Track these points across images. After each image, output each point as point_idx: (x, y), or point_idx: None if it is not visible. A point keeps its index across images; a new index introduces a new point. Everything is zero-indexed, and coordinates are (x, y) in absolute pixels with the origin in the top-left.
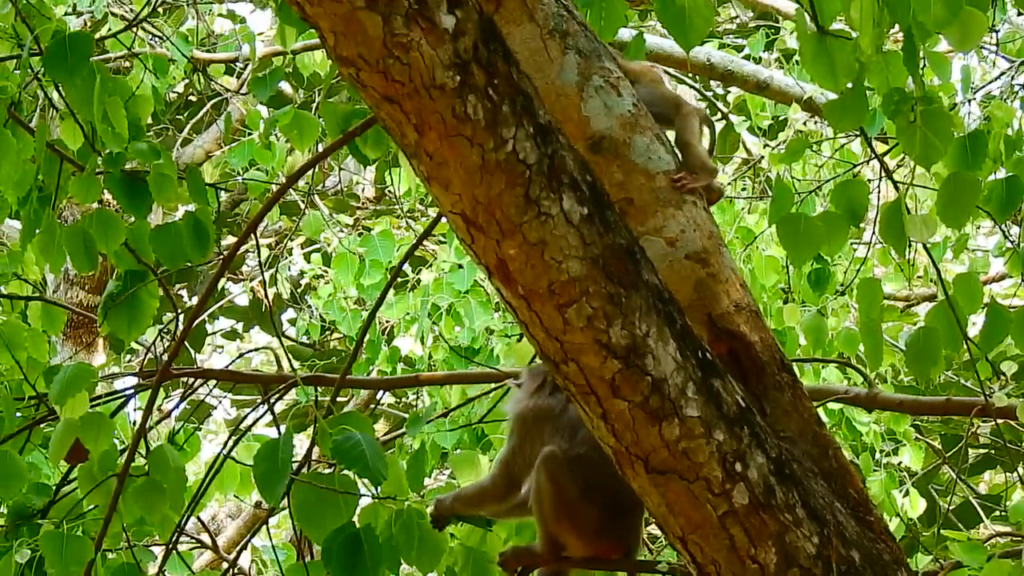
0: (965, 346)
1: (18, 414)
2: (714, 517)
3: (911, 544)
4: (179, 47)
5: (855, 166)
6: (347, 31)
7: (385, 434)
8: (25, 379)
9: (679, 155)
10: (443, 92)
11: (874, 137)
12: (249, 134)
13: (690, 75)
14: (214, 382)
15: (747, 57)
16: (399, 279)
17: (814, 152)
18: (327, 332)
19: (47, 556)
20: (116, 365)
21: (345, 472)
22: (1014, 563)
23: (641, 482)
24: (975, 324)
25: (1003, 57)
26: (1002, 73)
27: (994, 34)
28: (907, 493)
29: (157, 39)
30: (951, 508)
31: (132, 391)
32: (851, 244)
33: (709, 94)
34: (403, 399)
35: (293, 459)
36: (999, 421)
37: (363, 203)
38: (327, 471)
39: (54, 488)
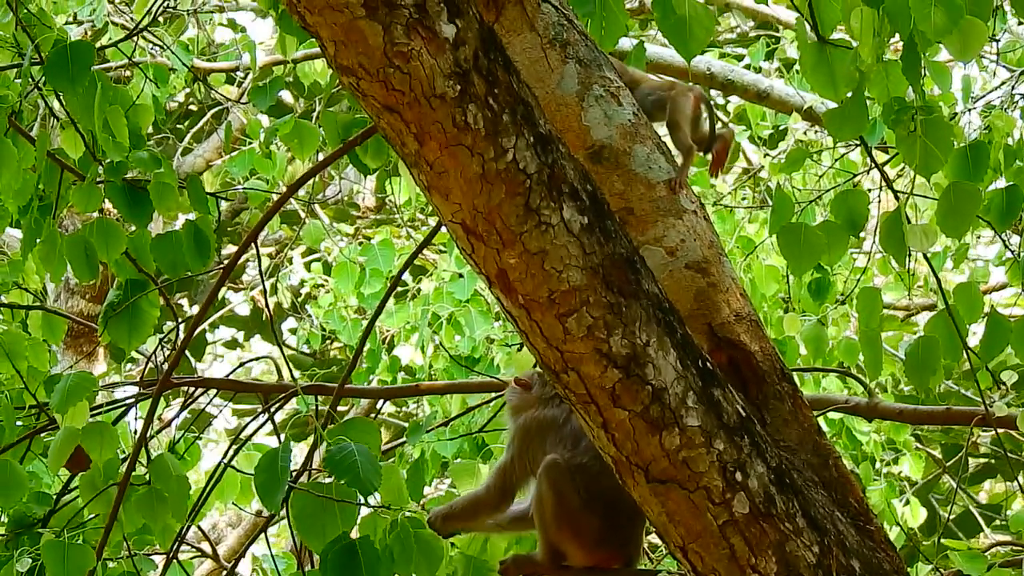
0: (965, 355)
1: (19, 423)
2: (714, 526)
3: (911, 553)
4: (180, 56)
5: (855, 175)
6: (348, 40)
7: (386, 443)
8: (26, 388)
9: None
10: (443, 101)
11: (874, 147)
12: (250, 143)
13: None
14: (214, 391)
15: (747, 67)
16: (400, 288)
17: (814, 162)
18: (328, 341)
19: (48, 565)
20: (117, 374)
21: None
22: (1014, 573)
23: (641, 491)
24: (975, 334)
25: (1003, 67)
26: (1003, 83)
27: (995, 43)
28: (907, 502)
29: (158, 48)
30: (951, 517)
31: (133, 400)
32: (851, 253)
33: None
34: (404, 408)
35: (293, 468)
36: (999, 430)
37: (364, 212)
38: (328, 480)
39: (55, 497)
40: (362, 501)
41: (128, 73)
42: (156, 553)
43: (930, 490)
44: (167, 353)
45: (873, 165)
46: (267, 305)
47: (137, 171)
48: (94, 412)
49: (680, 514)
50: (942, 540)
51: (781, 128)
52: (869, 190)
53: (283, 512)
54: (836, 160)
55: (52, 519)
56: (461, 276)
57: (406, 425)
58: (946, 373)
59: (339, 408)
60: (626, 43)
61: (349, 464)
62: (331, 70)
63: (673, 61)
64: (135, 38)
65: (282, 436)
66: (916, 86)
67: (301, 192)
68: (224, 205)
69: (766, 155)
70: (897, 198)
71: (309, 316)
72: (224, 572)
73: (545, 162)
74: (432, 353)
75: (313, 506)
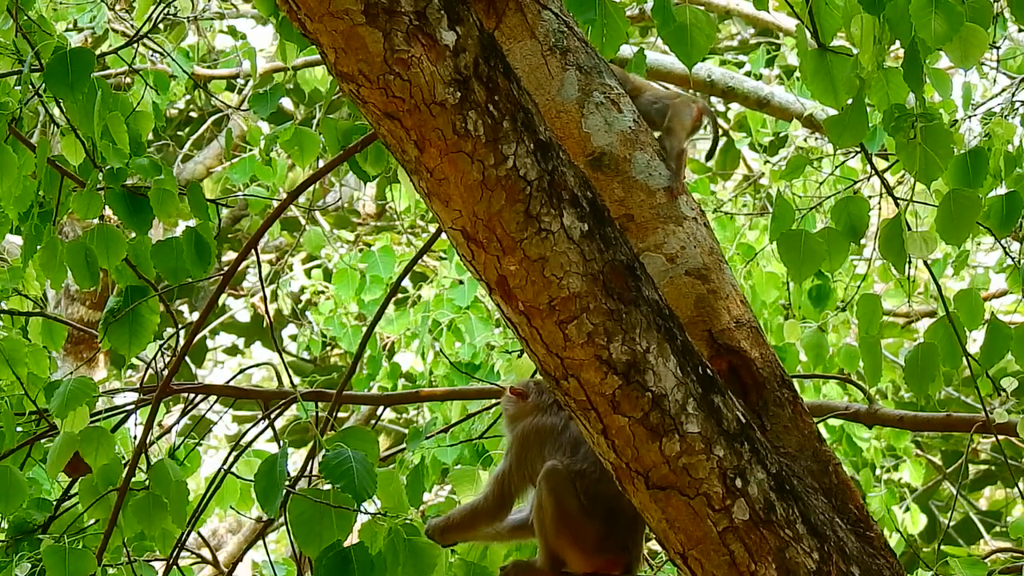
0: (965, 362)
1: (19, 429)
2: (714, 533)
3: (911, 560)
4: (180, 63)
5: (855, 182)
6: (348, 47)
7: (386, 450)
8: (26, 394)
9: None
10: (444, 108)
11: (874, 153)
12: (250, 150)
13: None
14: (215, 398)
15: (748, 74)
16: (400, 295)
17: (815, 168)
18: (328, 348)
19: (48, 571)
20: (117, 380)
21: None
22: None
23: (641, 498)
24: (975, 340)
25: (1004, 74)
26: (1003, 90)
27: (995, 51)
28: (907, 509)
29: (158, 55)
30: (951, 524)
31: (133, 406)
32: (851, 260)
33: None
34: (404, 415)
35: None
36: (999, 437)
37: (364, 219)
38: (326, 487)
39: (55, 503)
40: (359, 508)
41: (128, 80)
42: (156, 559)
43: (930, 496)
44: (167, 359)
45: (873, 172)
46: (267, 311)
47: (137, 178)
48: (94, 418)
49: (680, 520)
50: (942, 547)
51: (781, 135)
52: (869, 197)
53: (283, 518)
54: (836, 167)
55: (52, 525)
56: (461, 283)
57: (406, 431)
58: (946, 380)
59: (340, 415)
60: (627, 50)
61: (345, 471)
62: (331, 77)
63: (674, 68)
64: (135, 45)
65: (282, 442)
66: (918, 93)
67: (301, 199)
68: (224, 212)
69: (766, 162)
70: (897, 205)
71: (309, 322)
72: None
73: (545, 169)
74: (432, 360)
75: (310, 512)
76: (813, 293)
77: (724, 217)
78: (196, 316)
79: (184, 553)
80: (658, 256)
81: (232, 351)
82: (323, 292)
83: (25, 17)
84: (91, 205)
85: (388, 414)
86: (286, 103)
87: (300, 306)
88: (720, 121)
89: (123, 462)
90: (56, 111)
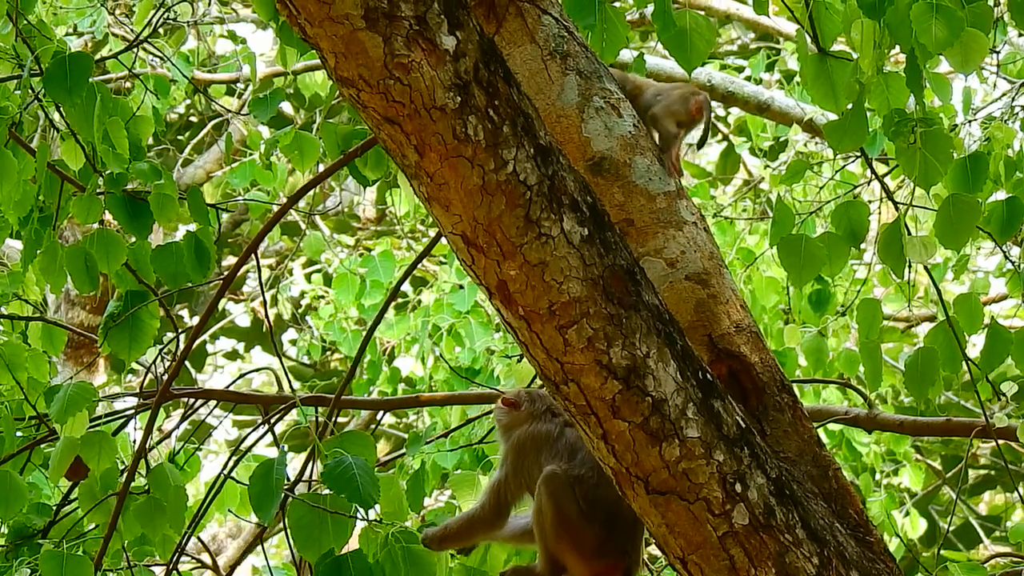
0: (965, 367)
1: (19, 434)
2: (714, 537)
3: (911, 565)
4: (180, 68)
5: (855, 187)
6: (348, 52)
7: (386, 454)
8: (26, 399)
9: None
10: (444, 113)
11: (874, 158)
12: (250, 154)
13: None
14: (215, 402)
15: (748, 78)
16: (400, 300)
17: (815, 173)
18: (328, 353)
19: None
20: (117, 385)
21: None
22: None
23: (641, 502)
24: (975, 345)
25: (1004, 78)
26: (1003, 94)
27: (995, 55)
28: (907, 513)
29: (158, 59)
30: (951, 529)
31: (133, 411)
32: (851, 265)
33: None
34: (404, 419)
35: (290, 479)
36: (999, 442)
37: (364, 224)
38: (326, 492)
39: (54, 508)
40: (358, 515)
41: (128, 84)
42: (156, 564)
43: (930, 501)
44: (167, 364)
45: (873, 177)
46: (267, 316)
47: (137, 182)
48: (94, 423)
49: (680, 525)
50: (942, 551)
51: (782, 140)
52: (869, 202)
53: (284, 523)
54: (836, 172)
55: (52, 530)
56: (461, 287)
57: (406, 436)
58: (946, 384)
59: (341, 419)
60: (627, 55)
61: (348, 479)
62: (331, 82)
63: (674, 73)
64: (135, 49)
65: (282, 447)
66: (917, 98)
67: (301, 203)
68: (224, 216)
69: (767, 167)
70: (897, 209)
71: (309, 327)
72: None
73: (545, 174)
74: (432, 364)
75: (310, 518)
76: (813, 298)
77: (724, 222)
78: (196, 320)
79: (184, 558)
80: (658, 261)
81: (232, 356)
82: (323, 297)
83: (25, 21)
84: (91, 210)
85: (388, 419)
86: (286, 107)
87: (300, 311)
88: (720, 126)
89: (122, 467)
90: (56, 115)
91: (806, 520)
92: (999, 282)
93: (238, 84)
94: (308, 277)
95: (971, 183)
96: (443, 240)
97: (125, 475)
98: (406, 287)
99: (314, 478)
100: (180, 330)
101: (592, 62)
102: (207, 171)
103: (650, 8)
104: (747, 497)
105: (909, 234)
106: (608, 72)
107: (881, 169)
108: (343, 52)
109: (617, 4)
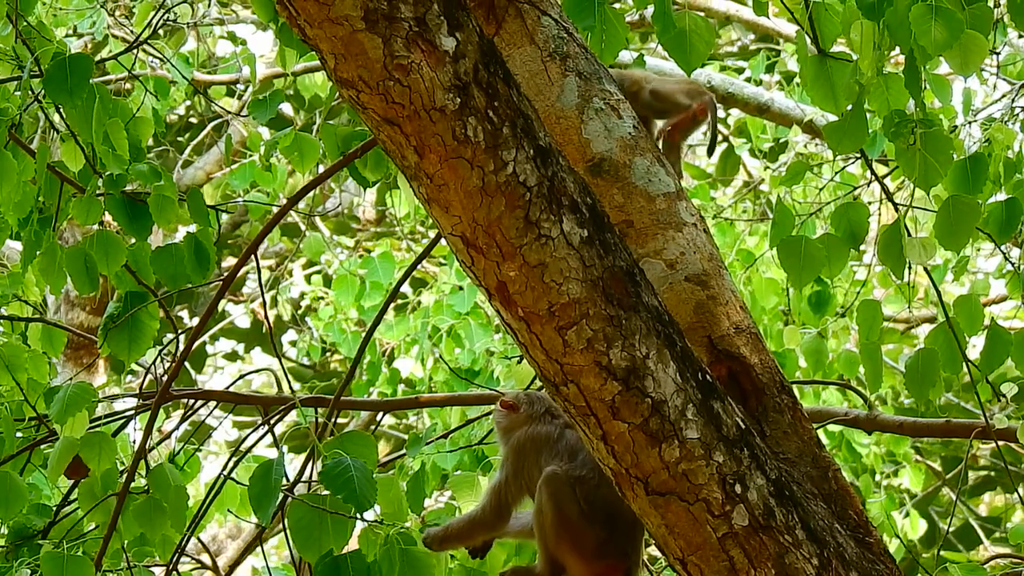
0: (965, 368)
1: (18, 435)
2: (714, 539)
3: (911, 566)
4: (180, 69)
5: (855, 188)
6: (348, 53)
7: (386, 455)
8: (25, 400)
9: (678, 167)
10: (443, 114)
11: (874, 159)
12: (250, 156)
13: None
14: (214, 403)
15: (748, 80)
16: (400, 301)
17: (815, 174)
18: (328, 354)
19: None
20: (116, 386)
21: None
22: None
23: (641, 504)
24: (975, 346)
25: (1004, 79)
26: (1003, 96)
27: (995, 57)
28: (907, 515)
29: (158, 61)
30: (951, 530)
31: (132, 412)
32: (851, 266)
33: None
34: (403, 420)
35: (289, 479)
36: (999, 443)
37: (364, 225)
38: (325, 492)
39: (54, 509)
40: (359, 516)
41: (128, 86)
42: (156, 565)
43: (930, 502)
44: (167, 365)
45: (873, 178)
46: (267, 317)
47: (137, 184)
48: (94, 424)
49: (679, 526)
50: (942, 552)
51: (781, 141)
52: (869, 203)
53: (284, 524)
54: (836, 173)
55: (52, 530)
56: (461, 288)
57: (406, 437)
58: (946, 385)
59: (340, 420)
60: (626, 56)
61: (345, 480)
62: (331, 83)
63: (674, 74)
64: (135, 51)
65: (282, 448)
66: (917, 99)
67: (301, 204)
68: (224, 218)
69: (766, 168)
70: (897, 211)
71: (309, 328)
72: None
73: (545, 175)
74: (432, 365)
75: (309, 518)
76: (813, 299)
77: (724, 223)
78: (196, 322)
79: (184, 558)
80: (658, 262)
81: (232, 357)
82: (323, 298)
83: (25, 23)
84: (91, 211)
85: (388, 420)
86: (286, 109)
87: (300, 312)
88: (720, 127)
89: (122, 468)
90: (56, 117)
91: (806, 521)
92: (999, 283)
93: (238, 85)
94: (308, 278)
95: (971, 184)
96: (443, 241)
97: (125, 476)
98: (406, 288)
99: (313, 479)
100: (180, 331)
101: (592, 63)
102: (207, 172)
103: (650, 9)
104: (747, 498)
105: (909, 235)
106: (608, 73)
107: (881, 170)
108: (343, 53)
109: (617, 5)
